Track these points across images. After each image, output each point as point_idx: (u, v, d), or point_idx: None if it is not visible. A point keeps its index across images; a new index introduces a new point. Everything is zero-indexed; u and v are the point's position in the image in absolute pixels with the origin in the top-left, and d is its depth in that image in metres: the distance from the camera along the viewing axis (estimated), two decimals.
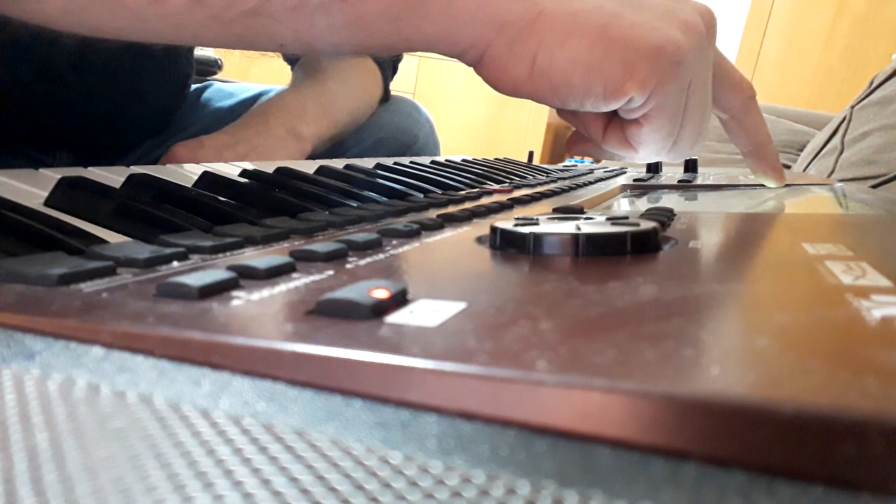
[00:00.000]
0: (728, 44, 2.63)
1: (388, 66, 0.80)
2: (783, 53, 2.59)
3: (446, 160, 0.66)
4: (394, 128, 0.79)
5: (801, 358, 0.11)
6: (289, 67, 0.78)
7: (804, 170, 1.25)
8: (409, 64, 2.79)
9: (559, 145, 2.87)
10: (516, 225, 0.23)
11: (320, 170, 0.47)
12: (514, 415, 0.10)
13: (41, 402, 0.11)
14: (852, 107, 1.21)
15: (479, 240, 0.25)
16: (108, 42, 0.32)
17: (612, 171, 0.76)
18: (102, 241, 0.24)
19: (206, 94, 0.79)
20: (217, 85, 0.82)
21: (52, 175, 0.31)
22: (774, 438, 0.08)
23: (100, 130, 0.63)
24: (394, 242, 0.24)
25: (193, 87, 0.77)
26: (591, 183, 0.58)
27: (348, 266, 0.20)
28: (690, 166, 0.73)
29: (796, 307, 0.14)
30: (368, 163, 0.55)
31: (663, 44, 0.33)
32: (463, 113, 2.74)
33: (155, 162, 0.59)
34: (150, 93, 0.66)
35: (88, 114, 0.61)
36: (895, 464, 0.08)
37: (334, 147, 0.72)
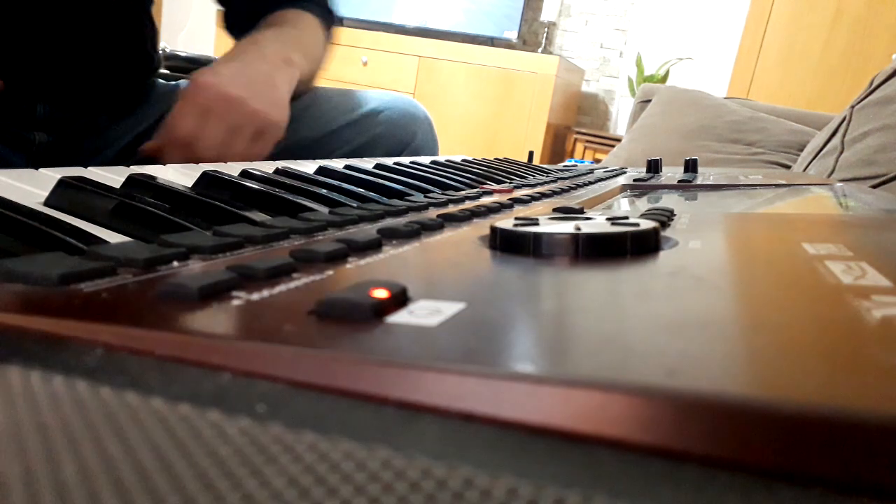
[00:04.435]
0: (728, 44, 2.63)
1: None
2: (783, 53, 2.58)
3: (446, 160, 0.66)
4: (391, 124, 0.79)
5: (801, 358, 0.11)
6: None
7: (804, 170, 1.25)
8: (410, 64, 2.79)
9: (559, 145, 2.87)
10: (516, 225, 0.23)
11: (320, 170, 0.47)
12: (514, 415, 0.10)
13: (41, 402, 0.11)
14: (852, 107, 1.21)
15: (479, 240, 0.25)
16: None
17: (612, 171, 0.76)
18: (102, 241, 0.24)
19: None
20: None
21: (52, 175, 0.31)
22: (774, 438, 0.08)
23: (71, 79, 0.66)
24: (394, 242, 0.24)
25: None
26: (591, 183, 0.58)
27: (348, 266, 0.20)
28: (690, 166, 0.72)
29: (796, 307, 0.14)
30: (368, 163, 0.55)
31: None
32: (463, 113, 2.74)
33: (149, 136, 0.59)
34: (113, 40, 0.68)
35: (56, 55, 0.64)
36: (895, 464, 0.08)
37: (331, 140, 0.73)
